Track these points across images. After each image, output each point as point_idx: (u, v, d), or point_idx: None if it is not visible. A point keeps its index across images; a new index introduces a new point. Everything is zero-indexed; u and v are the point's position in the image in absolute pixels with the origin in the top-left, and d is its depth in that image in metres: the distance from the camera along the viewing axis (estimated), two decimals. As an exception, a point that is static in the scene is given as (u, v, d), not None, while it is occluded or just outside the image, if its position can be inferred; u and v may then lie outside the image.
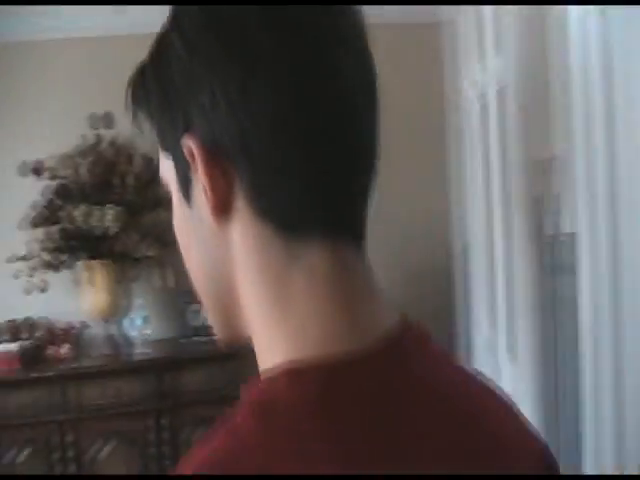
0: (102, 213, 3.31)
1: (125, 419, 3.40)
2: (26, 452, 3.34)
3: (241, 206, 0.62)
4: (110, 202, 3.34)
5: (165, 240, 3.52)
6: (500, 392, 0.72)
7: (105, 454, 3.40)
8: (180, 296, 3.71)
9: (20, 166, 3.44)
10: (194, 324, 3.72)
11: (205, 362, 3.50)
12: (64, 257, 3.40)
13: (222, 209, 0.62)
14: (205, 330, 3.67)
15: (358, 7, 0.63)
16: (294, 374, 0.61)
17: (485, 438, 0.66)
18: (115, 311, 3.60)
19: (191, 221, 0.66)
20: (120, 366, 3.47)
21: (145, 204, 3.47)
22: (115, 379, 3.40)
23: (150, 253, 3.44)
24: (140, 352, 3.56)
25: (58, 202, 3.38)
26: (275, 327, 0.64)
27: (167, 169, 0.67)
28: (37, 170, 3.40)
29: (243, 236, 0.63)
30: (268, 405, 0.61)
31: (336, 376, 0.61)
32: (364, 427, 0.60)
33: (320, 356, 0.61)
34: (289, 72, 0.58)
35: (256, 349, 0.67)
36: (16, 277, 3.41)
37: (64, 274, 3.53)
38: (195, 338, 3.69)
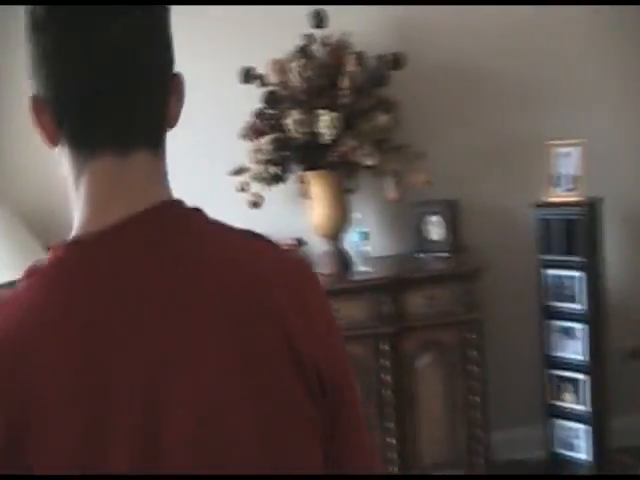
0: (315, 119, 3.05)
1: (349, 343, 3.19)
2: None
3: (61, 138, 0.91)
4: (324, 107, 3.07)
5: (386, 147, 3.21)
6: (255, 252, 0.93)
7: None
8: (411, 207, 3.43)
9: (240, 72, 3.24)
10: (431, 238, 3.41)
11: (437, 281, 3.18)
12: (278, 169, 3.20)
13: (53, 141, 0.92)
14: (443, 245, 3.36)
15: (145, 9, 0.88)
16: (53, 247, 0.88)
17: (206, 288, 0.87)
18: (334, 226, 3.36)
19: None
20: (341, 286, 3.23)
21: (362, 107, 3.16)
22: (334, 300, 3.17)
23: (370, 162, 3.14)
24: (362, 271, 3.31)
25: (269, 110, 3.18)
26: (76, 219, 0.91)
27: None
28: (248, 77, 3.20)
29: (65, 155, 0.92)
30: (31, 270, 0.87)
31: (76, 248, 0.87)
32: (93, 286, 0.84)
33: (76, 235, 0.89)
34: (67, 55, 0.86)
35: None
36: (237, 190, 3.27)
37: (280, 188, 3.35)
38: (430, 254, 3.40)
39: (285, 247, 0.98)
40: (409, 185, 3.26)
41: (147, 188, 0.90)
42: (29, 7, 0.86)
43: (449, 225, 3.36)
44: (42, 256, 0.87)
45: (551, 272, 3.21)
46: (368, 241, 3.33)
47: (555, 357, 3.24)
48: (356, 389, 0.98)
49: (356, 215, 3.34)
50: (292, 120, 3.03)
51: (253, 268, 0.90)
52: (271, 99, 3.13)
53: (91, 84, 0.86)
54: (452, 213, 3.39)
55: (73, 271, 0.85)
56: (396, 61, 3.24)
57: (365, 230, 3.33)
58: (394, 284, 3.16)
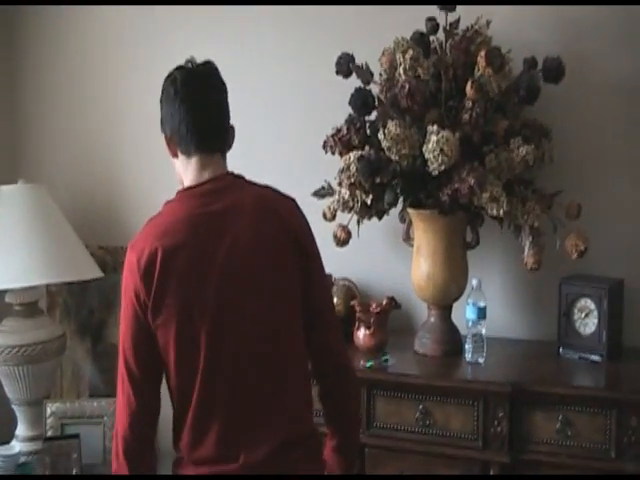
0: (423, 138, 2.13)
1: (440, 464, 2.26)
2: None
3: (178, 152, 1.73)
4: (436, 123, 2.15)
5: (524, 192, 2.23)
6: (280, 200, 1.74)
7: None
8: (553, 283, 2.42)
9: (337, 60, 2.40)
10: (579, 330, 2.37)
11: (581, 402, 2.14)
12: (368, 198, 2.33)
13: (175, 155, 1.74)
14: (595, 344, 2.36)
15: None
16: (177, 193, 1.72)
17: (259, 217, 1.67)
18: (442, 292, 2.42)
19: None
20: (440, 383, 2.29)
21: (494, 131, 2.20)
22: (426, 399, 2.25)
23: (496, 209, 2.15)
24: (471, 361, 2.33)
25: (360, 116, 2.29)
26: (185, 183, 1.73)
27: None
28: (346, 68, 2.32)
29: (180, 160, 1.73)
30: (166, 203, 1.72)
31: (186, 192, 1.69)
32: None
33: (186, 187, 1.72)
34: (181, 108, 1.68)
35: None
36: (324, 218, 2.46)
37: (376, 224, 2.49)
38: (574, 353, 2.38)
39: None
40: (555, 251, 2.27)
41: (218, 169, 1.70)
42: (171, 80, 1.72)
43: (607, 315, 2.29)
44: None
45: None
46: (484, 320, 2.34)
47: None
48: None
49: (472, 281, 2.34)
50: (387, 134, 2.11)
51: (269, 201, 1.70)
52: (359, 99, 2.20)
53: (196, 125, 1.68)
54: (614, 299, 2.34)
55: (185, 202, 1.66)
56: (555, 69, 2.24)
57: (482, 304, 2.33)
58: (516, 394, 2.17)
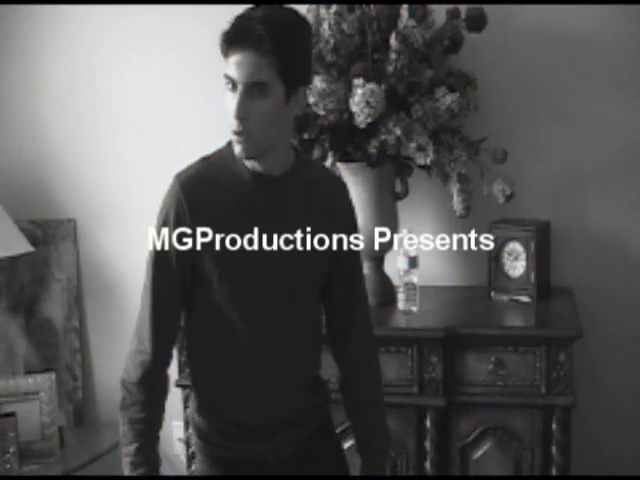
0: (349, 92, 2.21)
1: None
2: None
3: None
4: (361, 76, 2.22)
5: (451, 140, 2.32)
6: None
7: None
8: (482, 228, 2.54)
9: None
10: (507, 272, 2.50)
11: (510, 343, 2.28)
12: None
13: None
14: (524, 284, 2.49)
15: None
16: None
17: None
18: (373, 244, 2.50)
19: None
20: (377, 330, 2.26)
21: (419, 81, 2.29)
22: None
23: (422, 159, 2.24)
24: (404, 310, 2.43)
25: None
26: None
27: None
28: None
29: None
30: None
31: None
32: None
33: None
34: None
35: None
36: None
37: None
38: (504, 295, 2.51)
39: None
40: (483, 196, 2.39)
41: None
42: None
43: (535, 257, 2.42)
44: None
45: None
46: (416, 269, 2.44)
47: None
48: None
49: (402, 232, 2.44)
50: (313, 89, 2.18)
51: None
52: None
53: None
54: (540, 241, 2.47)
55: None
56: (478, 19, 2.33)
57: (413, 254, 2.43)
58: (449, 339, 2.29)
